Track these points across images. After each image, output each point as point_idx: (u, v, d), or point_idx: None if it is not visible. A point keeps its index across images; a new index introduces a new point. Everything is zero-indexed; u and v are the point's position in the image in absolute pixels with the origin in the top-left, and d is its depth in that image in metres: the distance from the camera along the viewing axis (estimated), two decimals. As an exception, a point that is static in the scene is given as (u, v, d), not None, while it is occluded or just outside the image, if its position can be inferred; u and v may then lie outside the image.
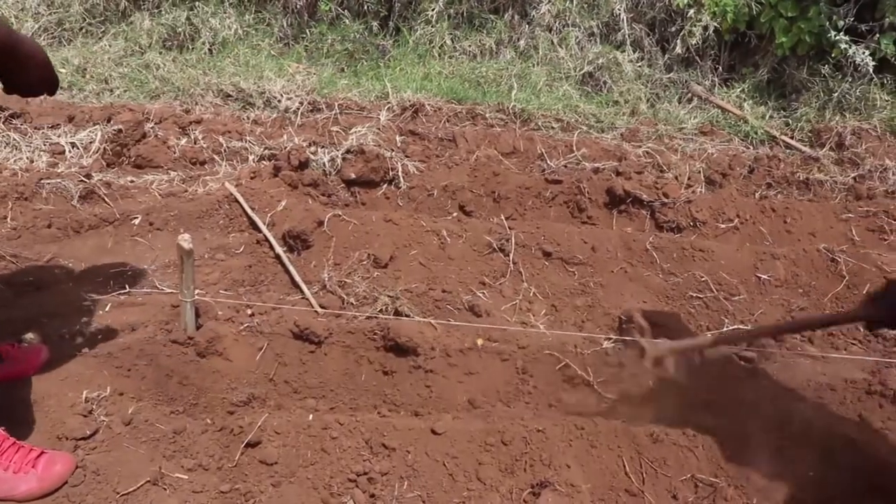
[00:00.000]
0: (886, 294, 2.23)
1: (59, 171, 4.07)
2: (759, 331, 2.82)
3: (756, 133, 5.29)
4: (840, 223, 4.16)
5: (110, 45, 5.63)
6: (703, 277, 3.63)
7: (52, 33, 5.76)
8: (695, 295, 3.59)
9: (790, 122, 5.49)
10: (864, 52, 5.32)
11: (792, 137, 5.28)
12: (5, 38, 1.86)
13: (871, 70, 5.36)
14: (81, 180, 3.96)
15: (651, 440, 2.59)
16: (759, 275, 3.66)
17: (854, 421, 2.89)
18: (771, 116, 5.54)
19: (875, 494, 2.44)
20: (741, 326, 3.43)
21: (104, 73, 5.25)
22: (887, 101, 5.41)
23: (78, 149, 4.25)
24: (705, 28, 5.71)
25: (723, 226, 4.10)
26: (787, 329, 2.75)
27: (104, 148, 4.28)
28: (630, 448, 2.57)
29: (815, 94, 5.62)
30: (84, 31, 5.82)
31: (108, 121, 4.44)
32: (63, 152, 4.22)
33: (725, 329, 3.30)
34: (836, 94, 5.51)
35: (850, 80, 5.49)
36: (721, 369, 3.11)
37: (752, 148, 5.17)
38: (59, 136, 4.30)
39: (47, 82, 2.11)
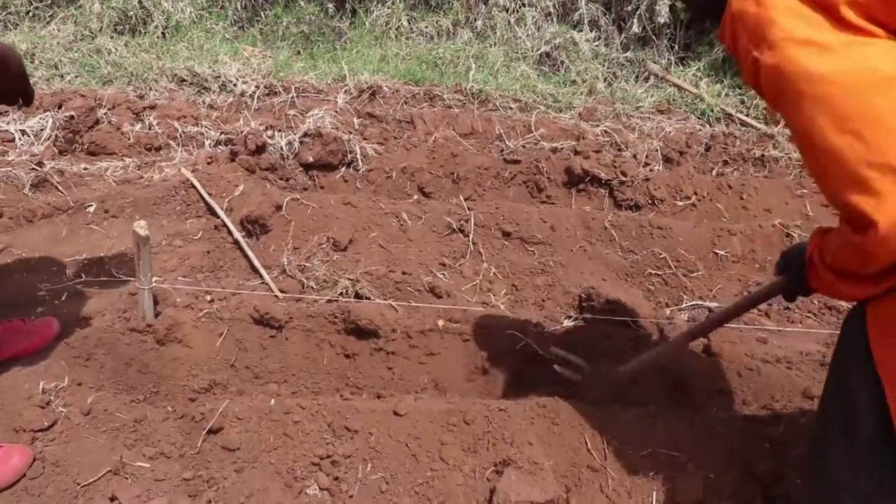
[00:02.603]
0: (785, 264, 2.26)
1: (9, 159, 3.99)
2: (694, 331, 2.80)
3: (712, 111, 5.33)
4: (795, 199, 4.22)
5: (59, 30, 5.51)
6: (661, 254, 3.67)
7: (-2, 18, 5.63)
8: (654, 272, 3.62)
9: (745, 99, 5.54)
10: (815, 30, 5.38)
11: (747, 115, 5.33)
12: None
13: (822, 47, 5.42)
14: (33, 168, 3.89)
15: (612, 418, 2.62)
16: (717, 251, 3.71)
17: (807, 394, 2.95)
18: (727, 94, 5.58)
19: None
20: (700, 303, 3.48)
21: (54, 59, 5.14)
22: (838, 77, 5.48)
23: (28, 136, 4.16)
24: (660, 7, 5.74)
25: (680, 203, 4.14)
26: (720, 321, 2.75)
27: (56, 135, 4.20)
28: (591, 425, 2.59)
29: (769, 71, 5.68)
30: (31, 14, 5.69)
31: (60, 107, 4.35)
32: (13, 140, 4.13)
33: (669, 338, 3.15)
34: (789, 72, 5.57)
35: (802, 57, 5.55)
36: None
37: (708, 126, 5.21)
38: (7, 124, 4.21)
39: (21, 92, 2.07)
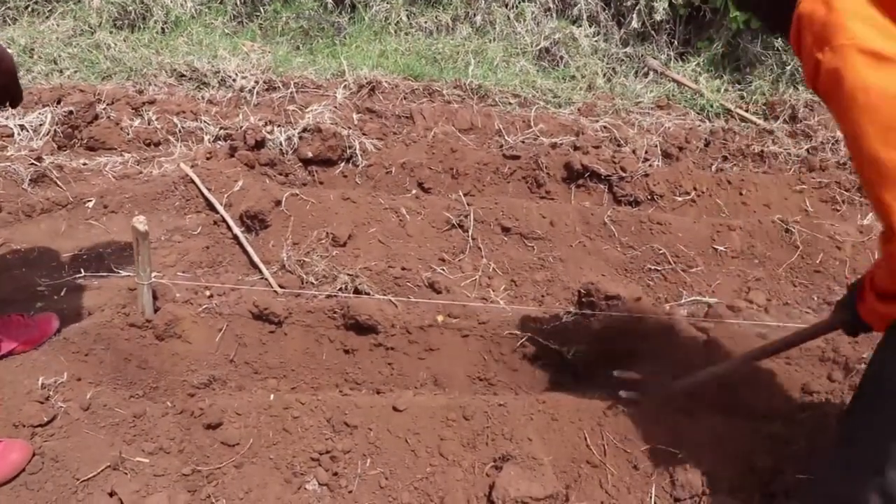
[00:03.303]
0: (847, 300, 2.24)
1: (8, 154, 3.98)
2: (743, 359, 2.76)
3: (711, 106, 5.33)
4: (794, 194, 4.22)
5: (58, 25, 5.50)
6: (660, 250, 3.67)
7: (-3, 12, 5.62)
8: (653, 267, 3.62)
9: (745, 95, 5.54)
10: (815, 25, 5.37)
11: (747, 110, 5.33)
12: None
13: (822, 43, 5.41)
14: (32, 163, 3.89)
15: (611, 413, 2.62)
16: (716, 246, 3.71)
17: (806, 390, 2.95)
18: (726, 90, 5.58)
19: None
20: (699, 298, 3.48)
21: (53, 54, 5.13)
22: (838, 73, 5.47)
23: (27, 131, 4.15)
24: (659, 3, 5.73)
25: (680, 198, 4.14)
26: (771, 352, 2.72)
27: (55, 130, 4.19)
28: (591, 421, 2.59)
29: (768, 67, 5.68)
30: (30, 9, 5.67)
31: (59, 102, 4.34)
32: (12, 135, 4.12)
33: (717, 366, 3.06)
34: (788, 67, 5.57)
35: (802, 52, 5.54)
36: (677, 339, 3.15)
37: (707, 121, 5.21)
38: (6, 119, 4.20)
39: (11, 92, 2.06)
